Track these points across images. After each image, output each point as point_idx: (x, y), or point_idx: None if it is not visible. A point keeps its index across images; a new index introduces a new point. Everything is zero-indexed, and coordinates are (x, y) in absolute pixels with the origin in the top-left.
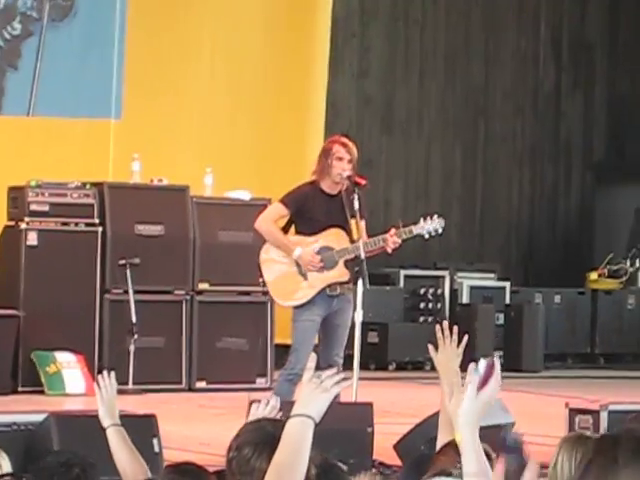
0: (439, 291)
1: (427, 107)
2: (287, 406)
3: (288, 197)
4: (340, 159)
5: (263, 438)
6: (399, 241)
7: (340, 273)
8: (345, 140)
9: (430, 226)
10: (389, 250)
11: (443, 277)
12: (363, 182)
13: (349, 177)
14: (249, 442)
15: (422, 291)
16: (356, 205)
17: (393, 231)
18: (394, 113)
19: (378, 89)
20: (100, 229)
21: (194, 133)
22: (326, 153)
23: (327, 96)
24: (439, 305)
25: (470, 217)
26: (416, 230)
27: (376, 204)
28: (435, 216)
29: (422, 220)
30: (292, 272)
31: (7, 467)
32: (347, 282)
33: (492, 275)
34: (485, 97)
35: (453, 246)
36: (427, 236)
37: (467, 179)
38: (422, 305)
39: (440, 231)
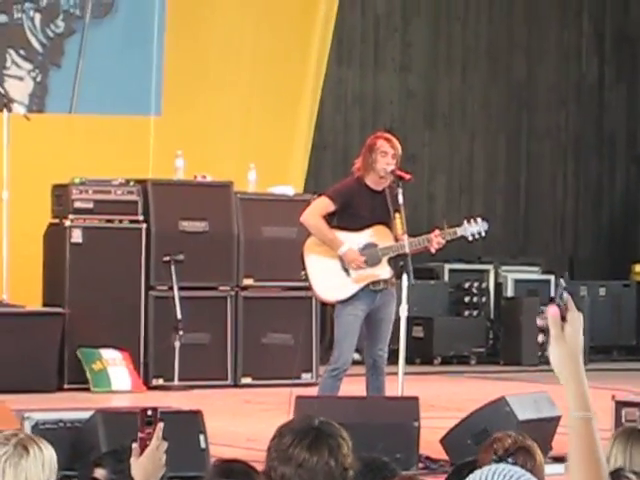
0: (484, 285)
1: (470, 101)
2: (334, 401)
3: (334, 191)
4: (384, 154)
5: (306, 428)
6: (443, 242)
7: (383, 270)
8: (389, 135)
9: (474, 229)
10: (432, 250)
11: (488, 271)
12: (407, 177)
13: (393, 171)
14: (292, 430)
15: (467, 285)
16: (400, 199)
17: (437, 232)
18: (437, 107)
19: (421, 84)
20: (144, 226)
21: (236, 129)
22: (370, 148)
23: (369, 92)
24: (484, 299)
25: (514, 210)
26: (460, 232)
27: (420, 199)
28: (479, 219)
29: (465, 222)
30: (335, 267)
31: (47, 460)
32: (390, 279)
33: (537, 268)
34: (528, 91)
35: (497, 240)
36: (470, 238)
37: (511, 173)
38: (467, 299)
39: (484, 234)
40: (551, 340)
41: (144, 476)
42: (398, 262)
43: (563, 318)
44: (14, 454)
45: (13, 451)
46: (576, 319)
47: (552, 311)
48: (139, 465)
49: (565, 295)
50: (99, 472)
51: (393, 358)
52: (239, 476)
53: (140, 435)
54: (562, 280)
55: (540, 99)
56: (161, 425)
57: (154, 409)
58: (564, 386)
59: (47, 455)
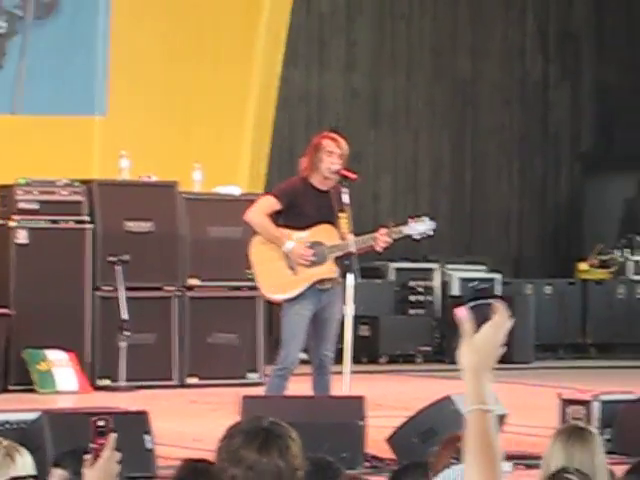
0: (430, 283)
1: (415, 100)
2: (281, 401)
3: (279, 190)
4: (330, 153)
5: (255, 429)
6: (390, 240)
7: (329, 269)
8: (335, 135)
9: (420, 227)
10: (379, 249)
11: (433, 269)
12: (353, 176)
13: (338, 171)
14: (241, 431)
15: (413, 284)
16: (346, 199)
17: (383, 230)
18: (382, 106)
19: (365, 83)
20: (90, 226)
21: (181, 129)
22: (316, 148)
23: (313, 90)
24: (430, 298)
25: (459, 209)
26: (405, 231)
27: (365, 198)
28: (425, 217)
29: (411, 221)
30: (281, 265)
31: (26, 462)
32: (336, 278)
33: (483, 267)
34: (473, 89)
35: (443, 238)
36: (417, 237)
37: (456, 171)
38: (413, 298)
39: (431, 233)
40: (462, 339)
41: None
42: (343, 261)
43: (485, 320)
44: (3, 464)
45: (2, 460)
46: (500, 325)
47: (459, 313)
48: (92, 475)
49: (493, 301)
50: (57, 473)
51: (339, 357)
52: (202, 476)
53: (93, 446)
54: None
55: (484, 97)
56: (114, 436)
57: (106, 419)
58: (466, 382)
59: (28, 460)
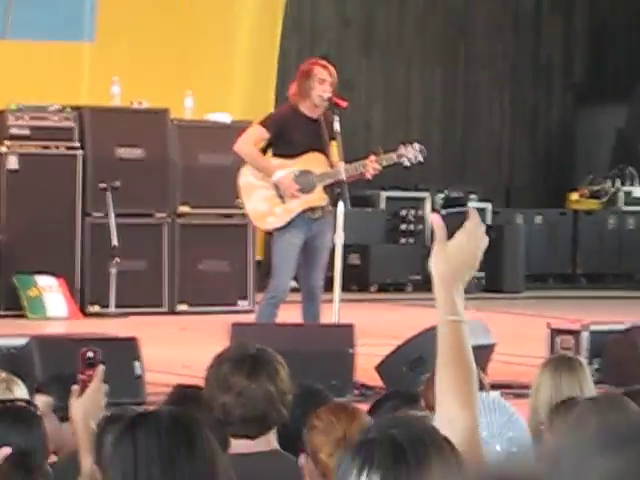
0: (420, 212)
1: (407, 29)
2: (270, 328)
3: (268, 120)
4: (322, 81)
5: (243, 356)
6: (379, 167)
7: (319, 197)
8: (325, 62)
9: (410, 154)
10: (369, 176)
11: (424, 199)
12: (344, 104)
13: (330, 99)
14: (229, 359)
15: (403, 213)
16: (337, 127)
17: (373, 157)
18: (374, 35)
19: (357, 11)
20: (80, 152)
21: (173, 55)
22: (306, 75)
23: (305, 19)
24: (420, 227)
25: (451, 139)
26: (396, 158)
27: (356, 126)
28: (416, 144)
29: (402, 147)
30: (271, 195)
31: (23, 393)
32: (326, 206)
33: (474, 196)
34: (465, 19)
35: (434, 168)
36: (407, 164)
37: (448, 101)
38: (403, 227)
39: (421, 159)
40: (434, 245)
41: (83, 417)
42: (334, 189)
43: (459, 227)
44: (3, 395)
45: (2, 393)
46: (473, 232)
47: (434, 218)
48: (79, 406)
49: (468, 208)
50: (40, 399)
51: (329, 285)
52: (193, 401)
53: (81, 377)
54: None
55: (477, 27)
56: (102, 367)
57: (95, 350)
58: (435, 291)
59: (24, 391)
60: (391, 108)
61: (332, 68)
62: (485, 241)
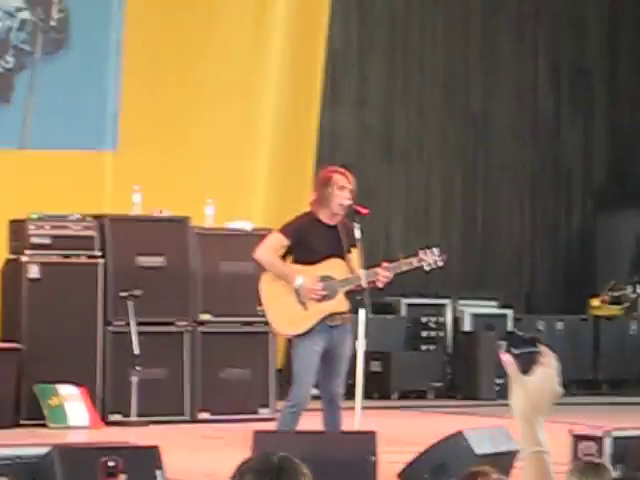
0: (441, 319)
1: (427, 136)
2: (292, 436)
3: (287, 227)
4: (342, 188)
5: (266, 466)
6: (390, 276)
7: (340, 303)
8: (343, 169)
9: (429, 258)
10: (380, 285)
11: (445, 305)
12: (365, 211)
13: (350, 206)
14: (252, 469)
15: (424, 320)
16: (357, 234)
17: (385, 265)
18: (394, 142)
19: (377, 118)
20: (101, 261)
21: (194, 163)
22: (325, 182)
23: (326, 125)
24: (441, 333)
25: (471, 245)
26: (416, 262)
27: (377, 234)
28: (435, 248)
29: (421, 252)
30: (291, 301)
31: None
32: (347, 312)
33: (494, 303)
34: (484, 126)
35: (455, 274)
36: (427, 269)
37: (468, 208)
38: (424, 333)
39: (440, 264)
40: (511, 382)
41: None
42: (355, 296)
43: (531, 364)
44: None
45: None
46: (549, 372)
47: (504, 359)
48: None
49: (537, 348)
50: None
51: (350, 393)
52: None
53: None
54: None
55: (496, 134)
56: (124, 477)
57: (116, 460)
58: (517, 425)
59: None
60: (411, 215)
61: (351, 176)
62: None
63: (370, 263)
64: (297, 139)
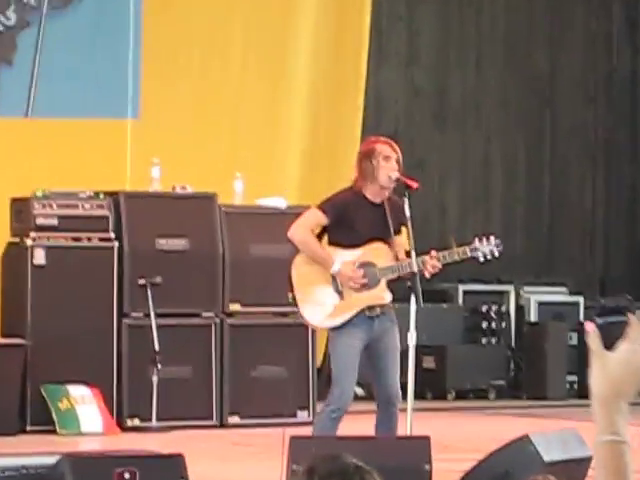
0: (503, 308)
1: (485, 98)
2: (335, 442)
3: (328, 203)
4: (387, 158)
5: (342, 468)
6: (439, 265)
7: (381, 294)
8: (385, 138)
9: (485, 248)
10: (427, 275)
11: (507, 292)
12: (414, 185)
13: (398, 179)
14: (321, 476)
15: (484, 308)
16: (407, 212)
17: (433, 253)
18: (448, 106)
19: (429, 79)
20: (116, 244)
21: (222, 134)
22: (368, 154)
23: (370, 89)
24: (504, 324)
25: (537, 222)
26: (470, 252)
27: (429, 210)
28: (492, 237)
29: (477, 240)
30: (327, 289)
31: None
32: (388, 304)
33: (563, 289)
34: (551, 85)
35: (518, 256)
36: (482, 259)
37: (533, 179)
38: (484, 325)
39: (497, 254)
40: (592, 358)
41: None
42: (405, 283)
43: (616, 336)
44: None
45: None
46: (637, 340)
47: (589, 326)
48: None
49: (628, 316)
50: None
51: (401, 393)
52: None
53: None
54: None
55: (565, 95)
56: None
57: (132, 471)
58: (594, 409)
59: None
60: (468, 189)
61: (395, 145)
62: None
63: (421, 244)
64: (341, 105)
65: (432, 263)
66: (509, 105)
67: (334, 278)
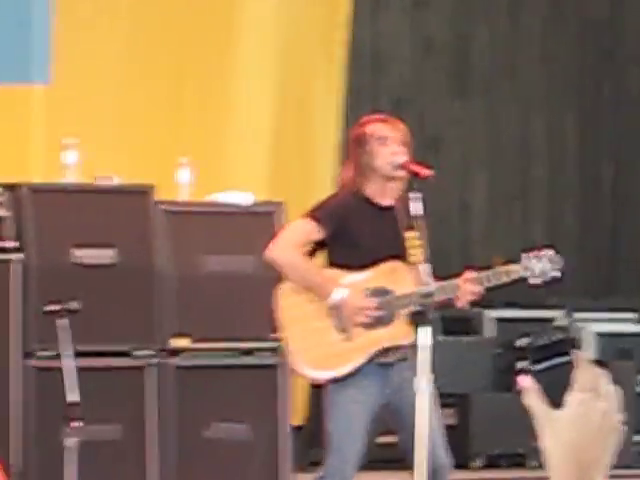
0: (548, 341)
1: (522, 55)
2: None
3: (322, 211)
4: (383, 139)
5: None
6: (479, 290)
7: (401, 331)
8: (382, 115)
9: (537, 267)
10: (460, 305)
11: (555, 320)
12: (426, 172)
13: (404, 165)
14: None
15: (522, 343)
16: (415, 209)
17: (469, 274)
18: (470, 65)
19: (445, 28)
20: (17, 257)
21: (161, 106)
22: (359, 140)
23: (362, 42)
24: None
25: (594, 227)
26: (517, 272)
27: (448, 208)
28: (548, 251)
29: (524, 258)
30: (326, 326)
31: None
32: (410, 345)
33: (631, 316)
34: (612, 41)
35: (570, 272)
36: (533, 281)
37: (587, 167)
38: (522, 365)
39: (554, 273)
40: (537, 424)
41: None
42: (415, 309)
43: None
44: None
45: None
46: (595, 387)
47: (523, 381)
48: None
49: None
50: None
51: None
52: None
53: None
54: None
55: (628, 48)
56: None
57: None
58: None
59: None
60: (499, 177)
61: (395, 121)
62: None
63: (437, 255)
64: (314, 64)
65: (470, 289)
66: (555, 64)
67: (335, 311)
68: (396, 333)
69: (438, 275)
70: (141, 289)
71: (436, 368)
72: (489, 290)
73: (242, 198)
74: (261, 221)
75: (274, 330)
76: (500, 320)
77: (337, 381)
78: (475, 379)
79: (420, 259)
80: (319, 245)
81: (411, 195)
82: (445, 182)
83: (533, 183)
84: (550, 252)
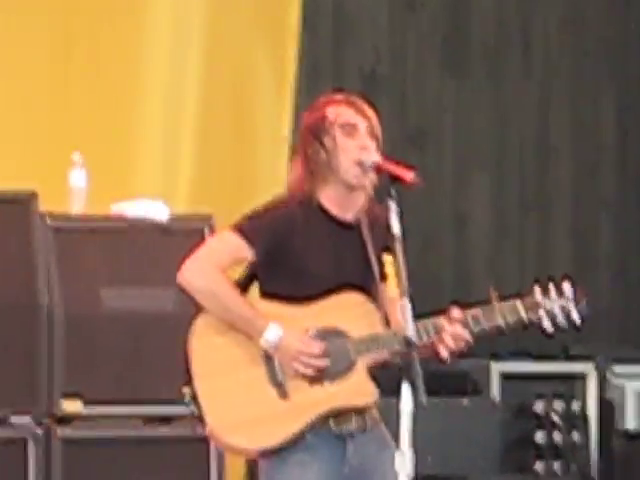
0: (575, 407)
1: (540, 18)
2: None
3: (253, 222)
4: (349, 128)
5: None
6: (467, 337)
7: (359, 388)
8: (346, 95)
9: (556, 306)
10: (443, 354)
11: (584, 377)
12: (409, 176)
13: (379, 166)
14: None
15: (539, 408)
16: (394, 226)
17: (457, 313)
18: (469, 29)
19: None
20: None
21: (43, 92)
22: (316, 127)
23: (329, 5)
24: (576, 437)
25: (631, 256)
26: (527, 315)
27: (438, 222)
28: (567, 285)
29: (538, 292)
30: (256, 377)
31: None
32: (372, 406)
33: None
34: None
35: (602, 314)
36: (551, 329)
37: (629, 167)
38: (540, 438)
39: (577, 319)
40: None
41: None
42: (395, 364)
43: None
44: None
45: None
46: None
47: None
48: None
49: None
50: None
51: None
52: None
53: None
54: None
55: None
56: None
57: None
58: None
59: None
60: (506, 178)
61: (367, 104)
62: None
63: (423, 285)
64: (260, 29)
65: (454, 332)
66: (584, 30)
67: (268, 357)
68: (352, 390)
69: (422, 313)
70: (19, 335)
71: (419, 442)
72: (495, 335)
73: (155, 209)
74: (182, 242)
75: (186, 380)
76: (508, 377)
77: (272, 454)
78: (476, 457)
79: (396, 292)
80: (252, 271)
81: (390, 206)
82: (434, 188)
83: (554, 189)
84: (569, 285)
